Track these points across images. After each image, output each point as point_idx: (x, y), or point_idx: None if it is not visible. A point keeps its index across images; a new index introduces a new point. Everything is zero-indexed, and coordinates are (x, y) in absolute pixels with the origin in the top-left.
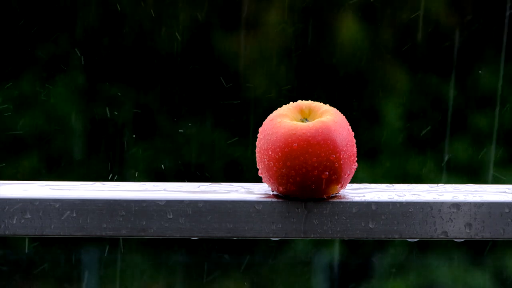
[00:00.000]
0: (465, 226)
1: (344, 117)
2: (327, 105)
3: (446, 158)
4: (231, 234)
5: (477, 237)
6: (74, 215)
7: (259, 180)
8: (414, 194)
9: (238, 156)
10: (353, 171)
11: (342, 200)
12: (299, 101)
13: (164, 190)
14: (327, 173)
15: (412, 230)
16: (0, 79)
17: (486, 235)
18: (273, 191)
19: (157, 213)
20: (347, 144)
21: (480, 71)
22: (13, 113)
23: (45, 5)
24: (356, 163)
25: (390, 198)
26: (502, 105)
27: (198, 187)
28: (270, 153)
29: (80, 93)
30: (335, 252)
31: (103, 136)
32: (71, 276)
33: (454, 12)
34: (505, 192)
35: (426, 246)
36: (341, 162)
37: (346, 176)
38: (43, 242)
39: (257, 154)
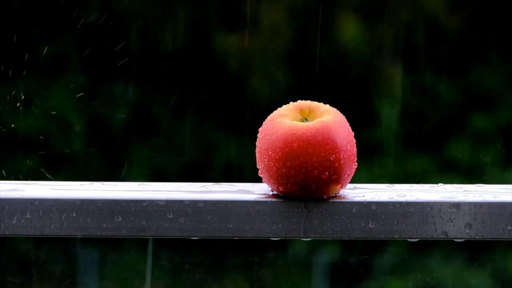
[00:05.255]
0: (465, 226)
1: (344, 117)
2: (327, 105)
3: (446, 158)
4: (231, 234)
5: (477, 237)
6: (74, 215)
7: (259, 180)
8: (414, 194)
9: (238, 156)
10: (353, 171)
11: (342, 200)
12: (299, 101)
13: (164, 190)
14: (327, 173)
15: (412, 230)
16: (0, 78)
17: (486, 235)
18: (273, 191)
19: (157, 213)
20: (347, 144)
21: (480, 71)
22: (13, 113)
23: (45, 5)
24: (356, 163)
25: (390, 198)
26: (502, 105)
27: (198, 187)
28: (270, 153)
29: (80, 93)
30: (335, 252)
31: (103, 136)
32: (71, 276)
33: (454, 12)
34: (505, 192)
35: (426, 246)
36: (341, 162)
37: (346, 176)
38: (43, 242)
39: (257, 154)
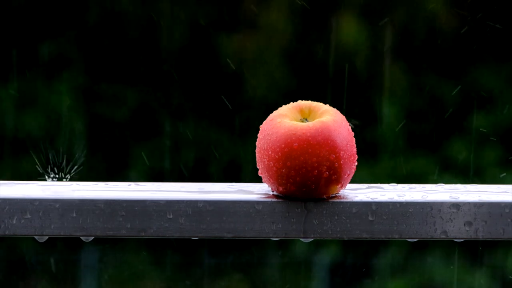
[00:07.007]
0: (465, 226)
1: (344, 117)
2: (327, 105)
3: (446, 158)
4: (231, 234)
5: (477, 237)
6: (74, 215)
7: (259, 180)
8: (414, 194)
9: (238, 156)
10: (353, 171)
11: (342, 200)
12: (299, 101)
13: (164, 190)
14: (327, 173)
15: (412, 230)
16: (0, 78)
17: (486, 235)
18: (273, 191)
19: (157, 213)
20: (347, 144)
21: (480, 71)
22: (13, 113)
23: (46, 5)
24: (356, 163)
25: (390, 198)
26: (502, 105)
27: (198, 187)
28: (270, 153)
29: (81, 93)
30: (335, 252)
31: (103, 136)
32: (71, 276)
33: (454, 12)
34: (505, 192)
35: (426, 246)
36: (341, 162)
37: (346, 176)
38: (43, 242)
39: (257, 154)
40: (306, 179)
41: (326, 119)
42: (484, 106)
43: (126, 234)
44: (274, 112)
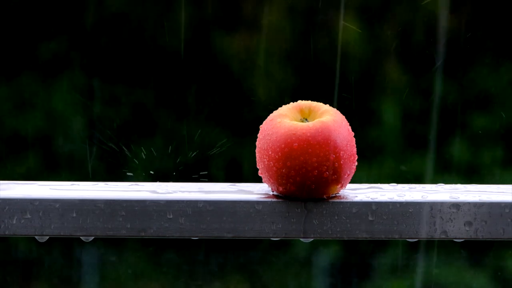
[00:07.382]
0: (465, 226)
1: (344, 117)
2: (327, 105)
3: (446, 158)
4: (231, 234)
5: (477, 237)
6: (74, 215)
7: (259, 180)
8: (414, 194)
9: (238, 156)
10: (353, 171)
11: (342, 200)
12: (299, 101)
13: (164, 190)
14: (327, 173)
15: (412, 230)
16: (0, 78)
17: (486, 235)
18: (273, 191)
19: (157, 213)
20: (347, 144)
21: (480, 71)
22: (13, 113)
23: (45, 5)
24: (356, 163)
25: (390, 198)
26: (502, 105)
27: (198, 187)
28: (270, 153)
29: (80, 93)
30: (335, 252)
31: (103, 136)
32: (71, 276)
33: (454, 12)
34: (505, 192)
35: (426, 246)
36: (341, 162)
37: (346, 176)
38: (43, 242)
39: (257, 154)
40: (306, 179)
41: (326, 119)
42: (484, 106)
43: (126, 234)
44: (274, 112)
